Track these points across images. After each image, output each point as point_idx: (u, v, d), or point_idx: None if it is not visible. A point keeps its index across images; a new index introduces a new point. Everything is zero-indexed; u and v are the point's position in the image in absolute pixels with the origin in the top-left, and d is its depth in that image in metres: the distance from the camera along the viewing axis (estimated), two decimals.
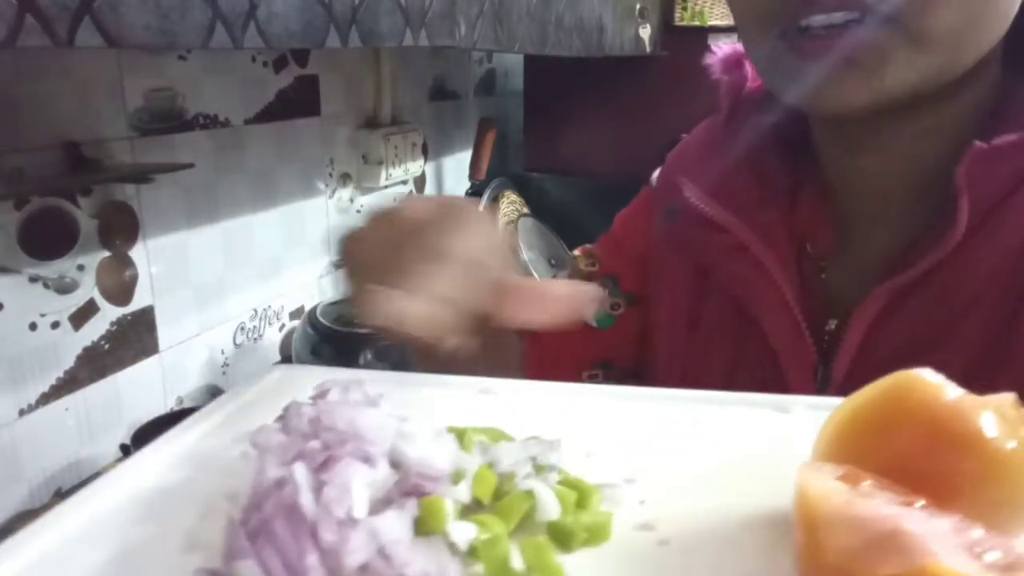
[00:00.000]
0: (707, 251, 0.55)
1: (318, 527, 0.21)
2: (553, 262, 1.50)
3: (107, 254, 0.87)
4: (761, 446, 0.31)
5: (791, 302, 0.50)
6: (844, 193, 0.52)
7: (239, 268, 1.09)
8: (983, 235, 0.45)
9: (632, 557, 0.25)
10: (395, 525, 0.22)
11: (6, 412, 0.78)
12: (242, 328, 1.11)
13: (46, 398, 0.82)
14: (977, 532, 0.22)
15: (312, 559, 0.21)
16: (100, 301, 0.87)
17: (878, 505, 0.23)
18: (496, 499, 0.26)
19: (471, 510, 0.25)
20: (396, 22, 0.67)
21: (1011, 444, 0.24)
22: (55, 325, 0.82)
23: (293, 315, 1.21)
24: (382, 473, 0.24)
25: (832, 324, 0.51)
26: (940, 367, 0.31)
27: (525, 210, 1.60)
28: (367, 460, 0.24)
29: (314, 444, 0.25)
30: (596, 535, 0.25)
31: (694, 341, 0.57)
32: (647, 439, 0.32)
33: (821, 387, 0.49)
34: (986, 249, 0.45)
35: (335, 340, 0.97)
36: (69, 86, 0.80)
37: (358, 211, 1.35)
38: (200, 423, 0.34)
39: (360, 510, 0.22)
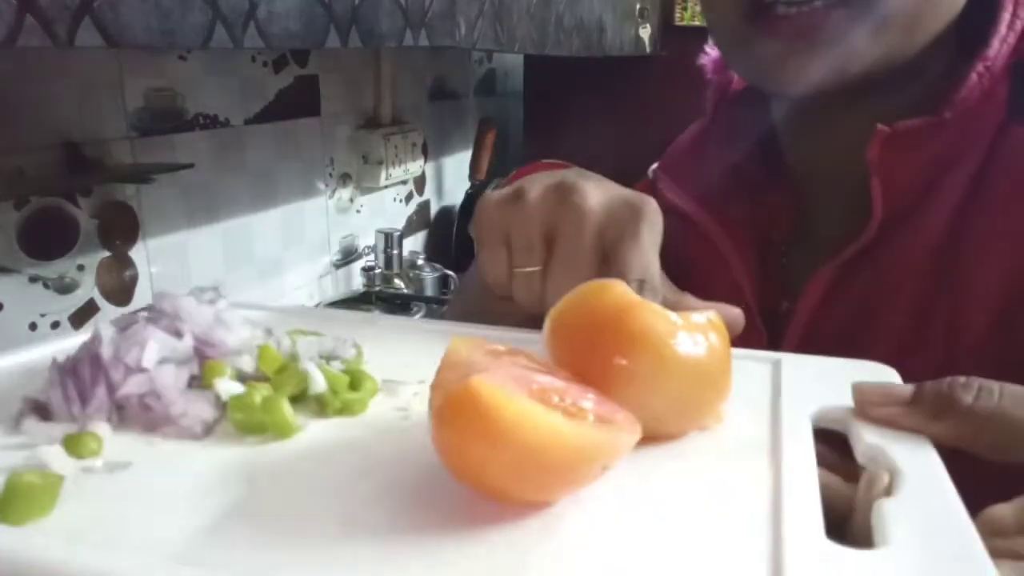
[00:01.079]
0: (674, 239, 0.56)
1: (108, 369, 0.30)
2: None
3: (107, 254, 0.87)
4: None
5: (743, 285, 0.51)
6: (803, 178, 0.54)
7: (239, 268, 1.09)
8: (906, 226, 0.46)
9: (378, 427, 0.30)
10: (170, 374, 0.30)
11: None
12: None
13: None
14: (581, 393, 0.24)
15: (100, 390, 0.30)
16: (100, 301, 0.87)
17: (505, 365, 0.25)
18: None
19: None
20: (396, 22, 0.67)
21: (676, 343, 0.26)
22: (55, 325, 0.82)
23: None
24: (186, 344, 0.32)
25: (785, 306, 0.52)
26: (872, 347, 0.36)
27: None
28: (176, 333, 0.32)
29: (140, 315, 0.34)
30: (349, 407, 0.31)
31: None
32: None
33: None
34: (907, 239, 0.46)
35: None
36: (69, 86, 0.80)
37: (358, 211, 1.35)
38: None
39: (148, 361, 0.30)
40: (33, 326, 0.80)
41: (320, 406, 0.31)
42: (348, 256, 1.34)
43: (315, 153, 1.21)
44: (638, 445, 0.24)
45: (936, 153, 0.45)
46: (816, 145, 0.52)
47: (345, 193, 1.31)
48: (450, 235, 1.54)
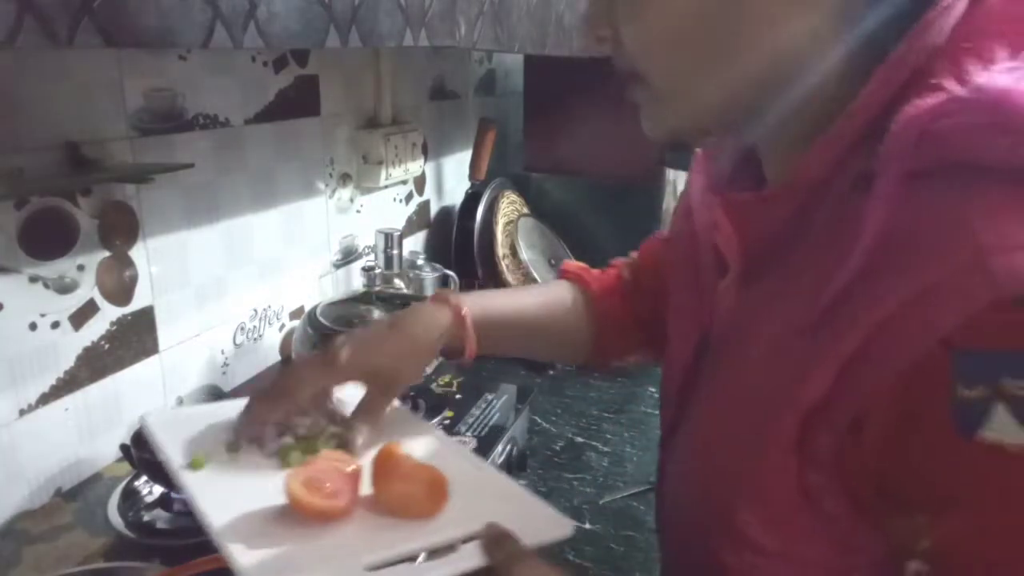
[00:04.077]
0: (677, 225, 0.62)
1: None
2: (553, 262, 1.50)
3: (107, 254, 0.87)
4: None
5: (691, 268, 0.54)
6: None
7: (239, 268, 1.09)
8: (765, 283, 0.46)
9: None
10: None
11: (6, 412, 0.79)
12: (242, 328, 1.11)
13: (46, 398, 0.82)
14: (337, 482, 0.49)
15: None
16: (100, 301, 0.87)
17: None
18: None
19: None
20: (396, 22, 0.67)
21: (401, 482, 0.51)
22: (55, 325, 0.82)
23: (293, 315, 1.21)
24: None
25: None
26: (752, 370, 0.44)
27: (525, 210, 1.60)
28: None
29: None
30: (308, 449, 0.56)
31: None
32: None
33: (700, 348, 0.52)
34: (761, 292, 0.46)
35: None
36: (69, 86, 0.80)
37: (358, 211, 1.35)
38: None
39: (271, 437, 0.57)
40: (33, 326, 0.80)
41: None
42: (348, 256, 1.34)
43: (315, 153, 1.21)
44: (396, 516, 0.49)
45: (780, 221, 0.44)
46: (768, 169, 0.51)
47: (345, 193, 1.31)
48: (450, 235, 1.54)
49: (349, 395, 0.60)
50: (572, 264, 0.77)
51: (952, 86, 0.34)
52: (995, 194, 0.33)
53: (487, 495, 0.52)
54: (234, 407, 0.59)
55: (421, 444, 0.58)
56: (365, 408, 0.58)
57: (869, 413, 0.35)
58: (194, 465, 0.52)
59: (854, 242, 0.36)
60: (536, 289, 0.80)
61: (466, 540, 0.45)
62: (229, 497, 0.48)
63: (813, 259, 0.41)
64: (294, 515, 0.47)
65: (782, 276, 0.44)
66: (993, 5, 0.37)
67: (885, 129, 0.36)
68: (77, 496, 0.84)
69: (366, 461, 0.52)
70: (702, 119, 0.46)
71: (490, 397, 1.05)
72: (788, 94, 0.43)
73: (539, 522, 0.48)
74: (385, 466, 0.51)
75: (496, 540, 0.44)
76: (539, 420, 1.12)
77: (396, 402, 0.62)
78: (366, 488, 0.50)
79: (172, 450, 0.54)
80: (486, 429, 0.96)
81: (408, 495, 0.49)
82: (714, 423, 0.47)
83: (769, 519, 0.40)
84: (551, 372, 1.27)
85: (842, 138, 0.40)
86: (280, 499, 0.47)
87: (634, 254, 0.76)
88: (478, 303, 0.65)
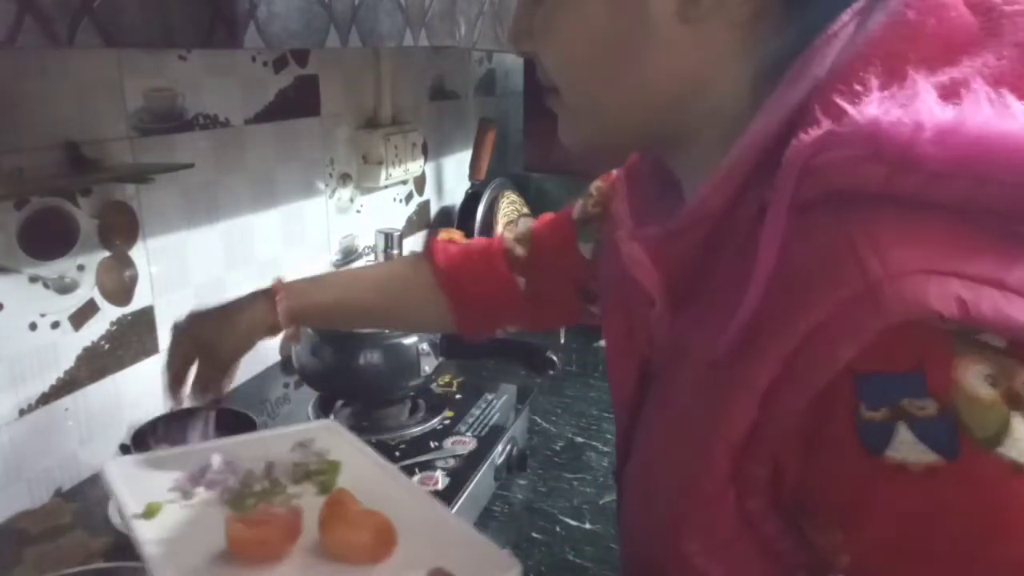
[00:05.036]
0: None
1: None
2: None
3: (107, 254, 0.87)
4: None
5: (622, 296, 0.54)
6: None
7: (239, 268, 1.09)
8: (686, 313, 0.45)
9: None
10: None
11: (6, 412, 0.79)
12: None
13: (46, 398, 0.82)
14: (279, 522, 0.52)
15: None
16: (100, 301, 0.87)
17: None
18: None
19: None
20: (396, 22, 0.67)
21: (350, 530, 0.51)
22: (55, 325, 0.82)
23: None
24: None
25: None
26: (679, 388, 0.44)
27: (525, 210, 1.60)
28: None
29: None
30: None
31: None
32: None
33: (642, 377, 0.51)
34: (684, 325, 0.45)
35: (335, 341, 0.97)
36: (69, 86, 0.80)
37: (358, 211, 1.35)
38: None
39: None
40: (33, 326, 0.80)
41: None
42: (348, 256, 1.34)
43: (315, 153, 1.21)
44: (342, 562, 0.50)
45: (692, 249, 0.43)
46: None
47: (345, 193, 1.30)
48: None
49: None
50: (439, 238, 0.78)
51: (826, 120, 0.35)
52: (878, 222, 0.34)
53: (437, 539, 0.53)
54: (196, 453, 0.62)
55: (377, 485, 0.59)
56: (199, 374, 0.71)
57: (787, 438, 0.35)
58: (148, 513, 0.54)
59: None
60: (377, 268, 0.88)
61: None
62: (176, 547, 0.51)
63: (725, 289, 0.41)
64: (237, 561, 0.49)
65: (704, 305, 0.44)
66: (874, 31, 0.37)
67: (780, 159, 0.37)
68: (77, 496, 0.84)
69: (308, 502, 0.55)
70: (610, 136, 0.47)
71: (490, 397, 1.05)
72: (695, 118, 0.44)
73: (486, 565, 0.49)
74: (332, 512, 0.52)
75: None
76: (539, 420, 1.12)
77: (358, 441, 0.66)
78: (313, 534, 0.51)
79: (127, 498, 0.56)
80: (486, 429, 0.96)
81: (354, 542, 0.50)
82: (655, 455, 0.47)
83: (712, 548, 0.40)
84: (551, 372, 1.27)
85: (736, 169, 0.40)
86: (223, 545, 0.50)
87: (523, 225, 0.78)
88: (304, 291, 0.74)
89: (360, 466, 0.63)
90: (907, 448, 0.32)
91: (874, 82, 0.35)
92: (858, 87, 0.36)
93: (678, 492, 0.42)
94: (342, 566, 0.50)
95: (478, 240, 0.79)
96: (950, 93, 0.34)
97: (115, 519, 0.75)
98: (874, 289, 0.32)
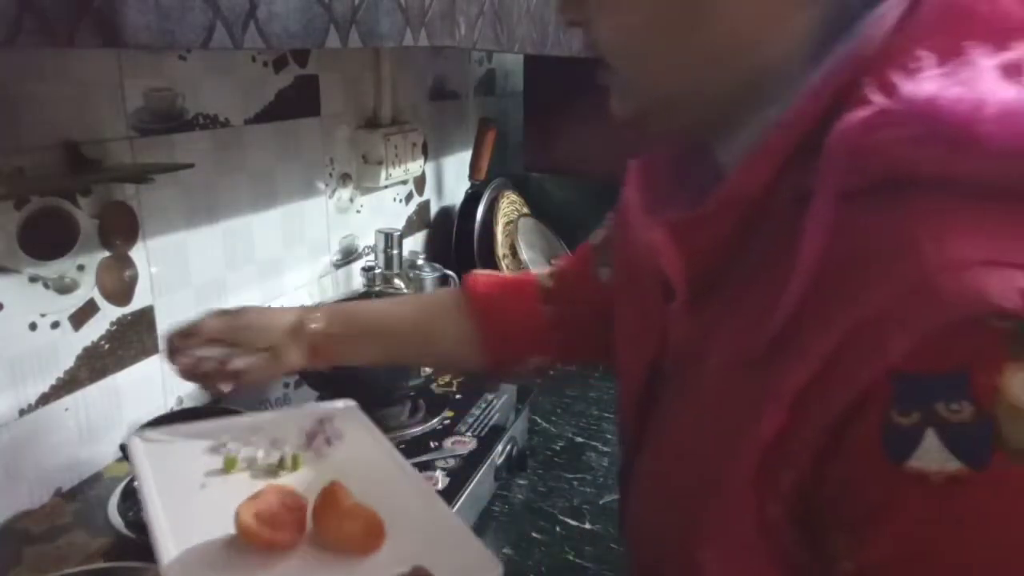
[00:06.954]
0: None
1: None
2: (553, 262, 1.50)
3: (107, 254, 0.87)
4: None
5: (635, 290, 0.53)
6: None
7: (239, 268, 1.09)
8: (715, 299, 0.43)
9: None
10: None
11: (6, 412, 0.79)
12: None
13: (46, 398, 0.82)
14: (284, 516, 0.54)
15: None
16: (100, 301, 0.87)
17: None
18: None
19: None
20: (396, 22, 0.67)
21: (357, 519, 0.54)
22: (55, 325, 0.82)
23: None
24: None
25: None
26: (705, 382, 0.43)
27: (525, 210, 1.60)
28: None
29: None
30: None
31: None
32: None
33: (652, 375, 0.50)
34: (713, 314, 0.43)
35: None
36: (69, 86, 0.80)
37: (358, 211, 1.35)
38: None
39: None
40: (33, 326, 0.80)
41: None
42: (348, 256, 1.34)
43: (315, 153, 1.21)
44: (334, 553, 0.52)
45: (721, 239, 0.42)
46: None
47: (345, 193, 1.30)
48: (450, 235, 1.54)
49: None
50: (479, 273, 0.76)
51: (878, 98, 0.33)
52: (935, 211, 0.32)
53: (428, 535, 0.54)
54: (223, 424, 0.67)
55: (381, 473, 0.61)
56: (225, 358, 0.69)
57: (817, 440, 0.33)
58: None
59: (794, 266, 0.35)
60: (414, 298, 0.83)
61: None
62: (187, 526, 0.53)
63: (757, 282, 0.39)
64: (242, 546, 0.51)
65: (729, 299, 0.42)
66: (926, 13, 0.36)
67: (822, 143, 0.34)
68: (77, 496, 0.84)
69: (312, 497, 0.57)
70: (665, 106, 0.44)
71: (490, 397, 1.05)
72: (748, 90, 0.41)
73: (470, 563, 0.52)
74: (326, 504, 0.54)
75: None
76: (539, 420, 1.12)
77: (380, 434, 0.68)
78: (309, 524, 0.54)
79: (147, 474, 0.59)
80: (486, 429, 0.96)
81: (345, 534, 0.53)
82: (670, 458, 0.45)
83: (727, 556, 0.39)
84: (551, 372, 1.27)
85: (776, 151, 0.38)
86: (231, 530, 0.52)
87: (556, 262, 0.76)
88: (337, 313, 0.72)
89: (368, 452, 0.64)
90: (930, 456, 0.30)
91: (930, 59, 0.33)
92: (912, 65, 0.33)
93: (696, 495, 0.40)
94: (336, 557, 0.51)
95: (516, 275, 0.78)
96: (1013, 72, 0.31)
97: (115, 519, 0.75)
98: (931, 282, 0.30)
